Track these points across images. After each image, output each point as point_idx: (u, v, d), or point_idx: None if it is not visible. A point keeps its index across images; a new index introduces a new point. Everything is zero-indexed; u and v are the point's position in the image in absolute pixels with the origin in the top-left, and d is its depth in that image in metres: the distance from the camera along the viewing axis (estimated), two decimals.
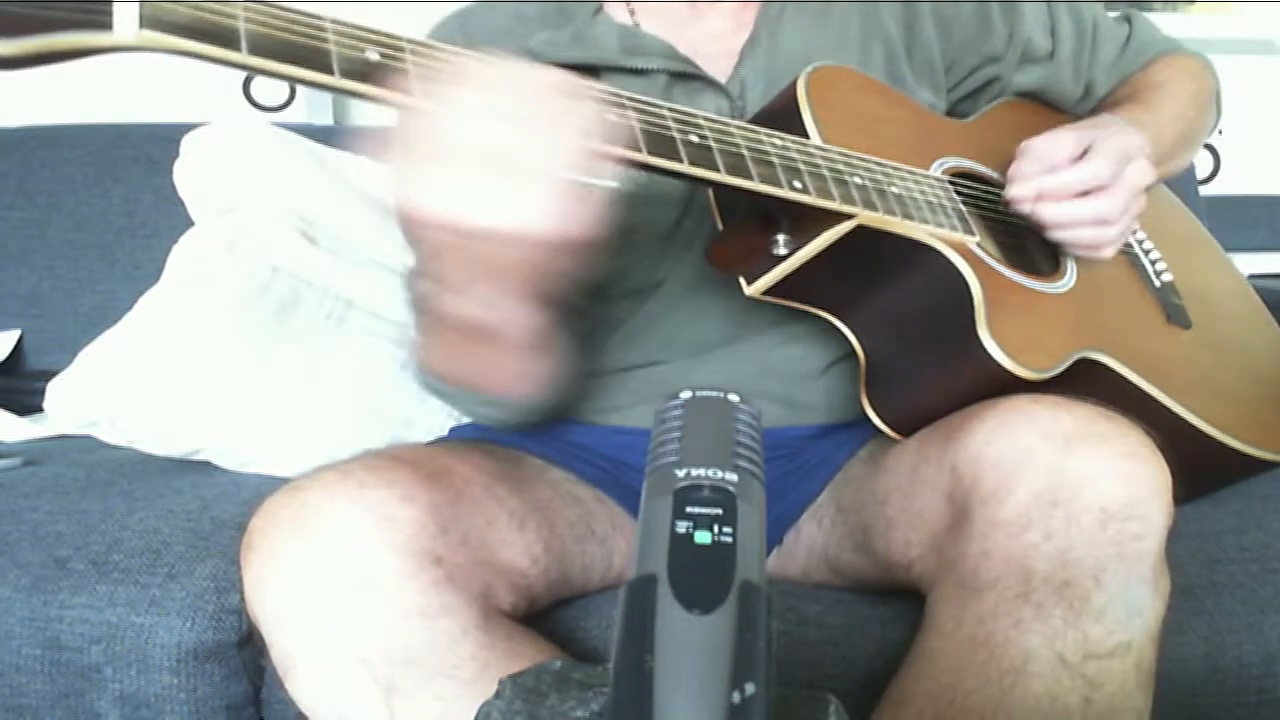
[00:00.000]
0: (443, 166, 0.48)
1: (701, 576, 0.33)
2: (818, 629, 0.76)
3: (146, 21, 0.45)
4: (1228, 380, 0.87)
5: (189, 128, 1.19)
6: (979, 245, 0.74)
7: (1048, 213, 0.77)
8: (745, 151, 0.63)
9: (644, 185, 0.80)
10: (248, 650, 0.79)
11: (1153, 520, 0.60)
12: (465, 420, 0.90)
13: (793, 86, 0.73)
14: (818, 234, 0.68)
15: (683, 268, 0.83)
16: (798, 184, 0.64)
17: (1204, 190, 1.56)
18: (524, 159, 0.48)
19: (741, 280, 0.72)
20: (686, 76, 0.82)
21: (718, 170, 0.60)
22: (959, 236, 0.73)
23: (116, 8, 0.44)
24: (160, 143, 1.33)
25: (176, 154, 1.17)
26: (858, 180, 0.68)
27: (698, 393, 0.42)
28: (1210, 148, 1.91)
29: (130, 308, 1.08)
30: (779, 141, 0.66)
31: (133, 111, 1.52)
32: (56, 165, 1.43)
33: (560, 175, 0.49)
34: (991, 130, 0.88)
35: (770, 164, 0.64)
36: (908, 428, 0.75)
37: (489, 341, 0.63)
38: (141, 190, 1.40)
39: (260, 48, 0.47)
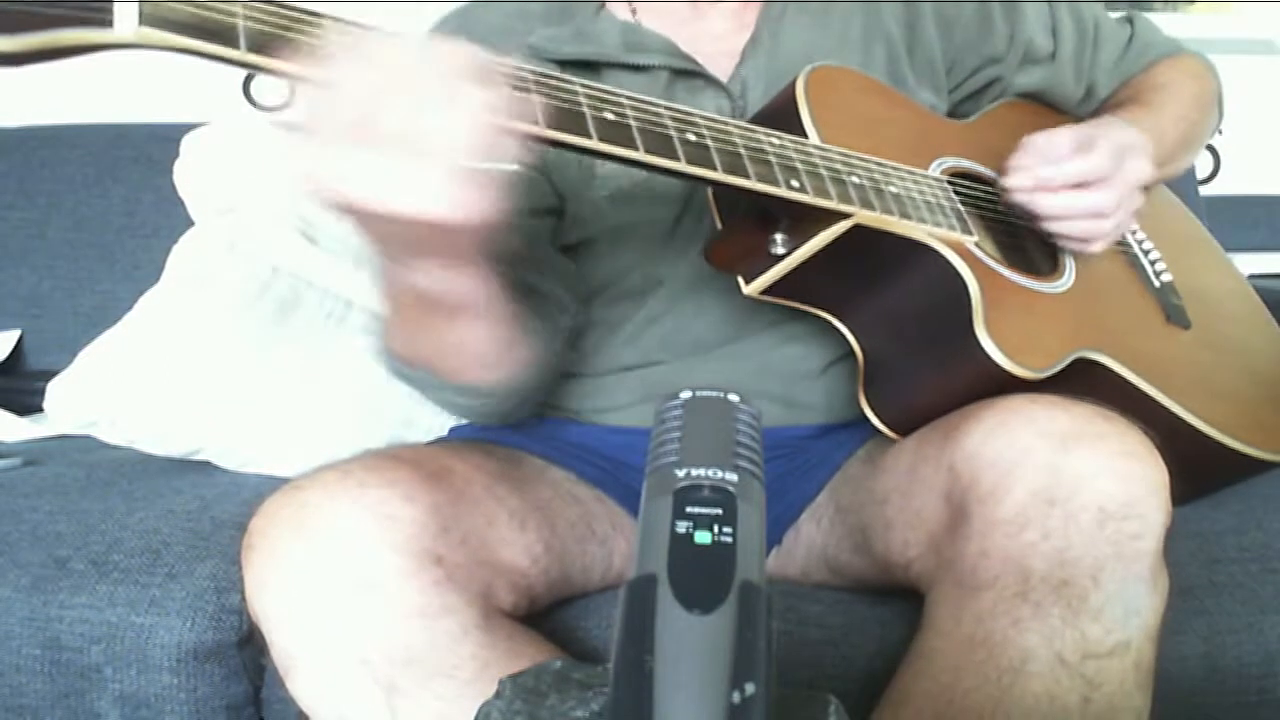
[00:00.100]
0: (341, 147, 0.46)
1: (701, 576, 0.33)
2: (818, 629, 0.76)
3: (146, 19, 0.45)
4: (1227, 380, 0.87)
5: (189, 128, 1.19)
6: (977, 245, 0.74)
7: (1043, 203, 0.77)
8: (743, 150, 0.63)
9: (642, 185, 0.80)
10: (248, 650, 0.79)
11: (1150, 519, 0.60)
12: (465, 420, 0.90)
13: (792, 86, 0.73)
14: (815, 233, 0.68)
15: (682, 267, 0.83)
16: (795, 183, 0.64)
17: (1204, 190, 1.56)
18: (423, 141, 0.46)
19: (740, 279, 0.72)
20: (688, 74, 0.82)
21: (715, 169, 0.61)
22: (957, 236, 0.73)
23: (117, 5, 0.44)
24: (160, 143, 1.33)
25: (176, 154, 1.17)
26: (855, 179, 0.68)
27: (698, 393, 0.42)
28: (1210, 148, 1.91)
29: (130, 308, 1.08)
30: (777, 141, 0.66)
31: (133, 111, 1.52)
32: (56, 165, 1.44)
33: (461, 160, 0.46)
34: (992, 131, 0.88)
35: (768, 163, 0.64)
36: (906, 427, 0.75)
37: (444, 315, 0.61)
38: (141, 190, 1.40)
39: (259, 45, 0.47)
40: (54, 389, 1.03)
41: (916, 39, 0.88)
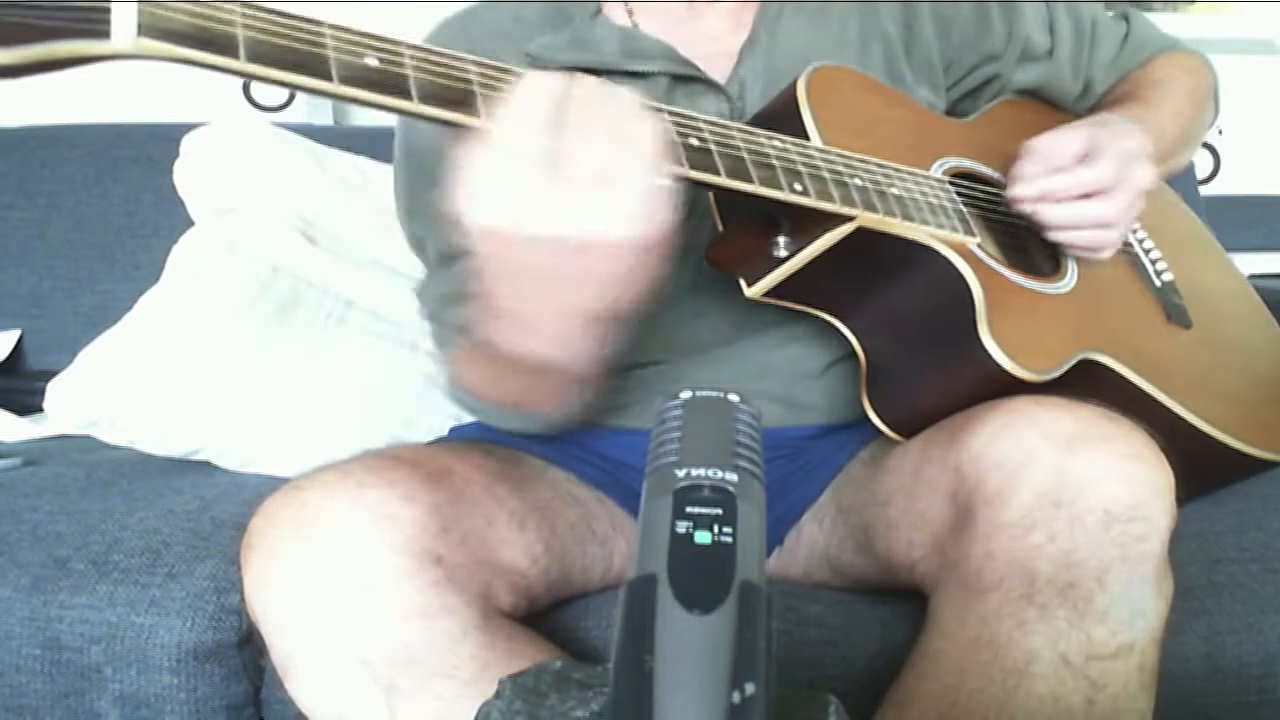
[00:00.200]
0: (539, 183, 0.49)
1: (701, 576, 0.33)
2: (818, 629, 0.76)
3: (144, 30, 0.45)
4: (1228, 380, 0.87)
5: (189, 128, 1.19)
6: (979, 246, 0.74)
7: (1049, 214, 0.77)
8: (745, 154, 0.63)
9: None
10: (248, 650, 0.79)
11: (1155, 521, 0.60)
12: (465, 420, 0.90)
13: (792, 87, 0.73)
14: (818, 236, 0.68)
15: (683, 269, 0.83)
16: (798, 186, 0.64)
17: (1204, 190, 1.56)
18: (618, 170, 0.50)
19: (742, 282, 0.71)
20: (687, 79, 0.82)
21: (718, 174, 0.60)
22: (959, 238, 0.73)
23: (114, 16, 0.44)
24: (160, 143, 1.33)
25: (176, 154, 1.17)
26: (858, 182, 0.68)
27: (698, 393, 0.42)
28: (1210, 147, 1.91)
29: (130, 308, 1.08)
30: (779, 144, 0.66)
31: (133, 111, 1.52)
32: (56, 165, 1.44)
33: (649, 182, 0.51)
34: (992, 129, 0.88)
35: (770, 166, 0.64)
36: (908, 429, 0.75)
37: (541, 373, 0.64)
38: (141, 190, 1.40)
39: (258, 54, 0.47)
40: (54, 389, 1.03)
41: (914, 38, 0.88)
